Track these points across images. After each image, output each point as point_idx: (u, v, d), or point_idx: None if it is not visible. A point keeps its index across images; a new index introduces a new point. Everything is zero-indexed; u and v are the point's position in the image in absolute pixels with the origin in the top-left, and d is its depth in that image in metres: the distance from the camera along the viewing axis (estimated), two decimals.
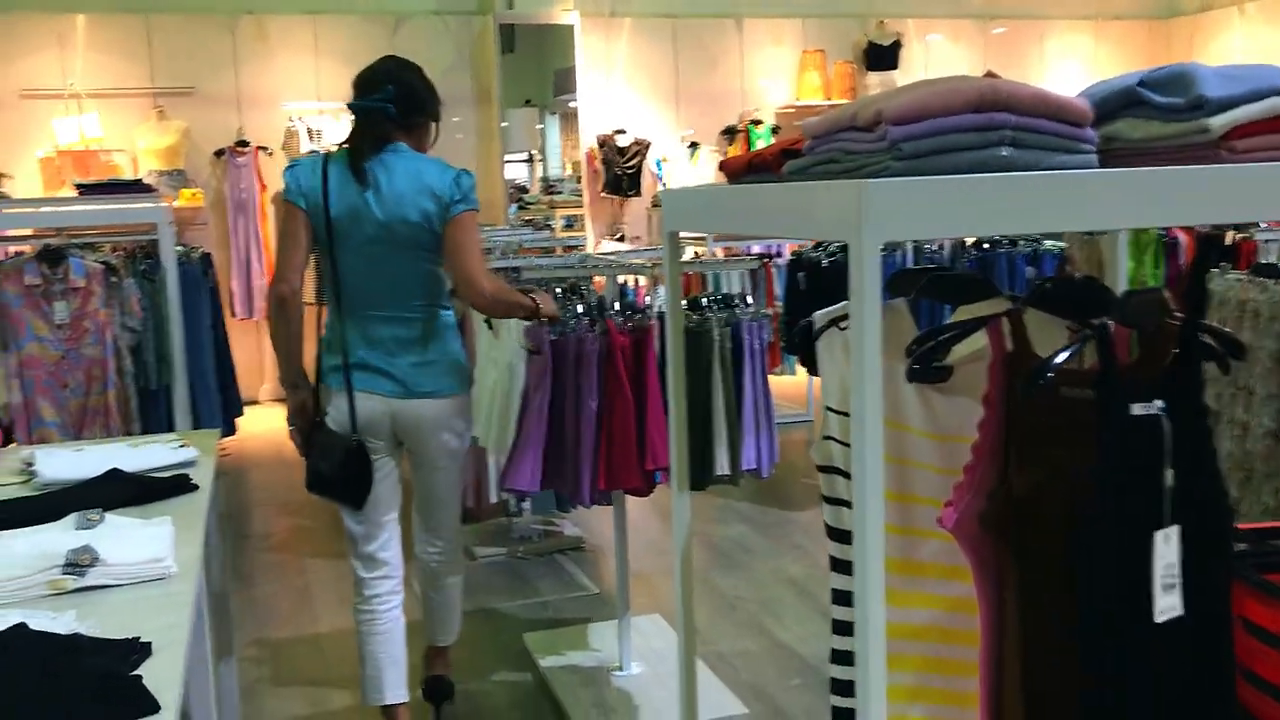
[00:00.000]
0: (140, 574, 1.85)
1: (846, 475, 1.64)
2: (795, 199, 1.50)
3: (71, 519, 2.00)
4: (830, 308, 1.73)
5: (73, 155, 7.99)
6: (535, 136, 9.91)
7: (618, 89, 9.42)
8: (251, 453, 6.98)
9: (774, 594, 4.36)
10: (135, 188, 6.10)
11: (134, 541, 1.93)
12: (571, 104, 12.27)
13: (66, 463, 2.52)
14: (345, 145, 2.83)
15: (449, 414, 2.88)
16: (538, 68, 10.13)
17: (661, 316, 3.12)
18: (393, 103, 2.80)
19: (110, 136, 8.25)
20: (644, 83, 9.47)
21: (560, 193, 11.91)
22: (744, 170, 1.92)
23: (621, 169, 9.18)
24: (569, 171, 14.92)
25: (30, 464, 2.52)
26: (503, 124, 8.95)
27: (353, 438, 2.80)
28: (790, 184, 1.54)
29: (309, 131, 8.28)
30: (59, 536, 1.91)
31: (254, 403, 8.36)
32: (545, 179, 10.04)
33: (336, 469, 2.81)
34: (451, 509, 3.07)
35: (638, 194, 9.27)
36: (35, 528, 2.01)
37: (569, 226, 10.53)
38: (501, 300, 2.94)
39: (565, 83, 11.47)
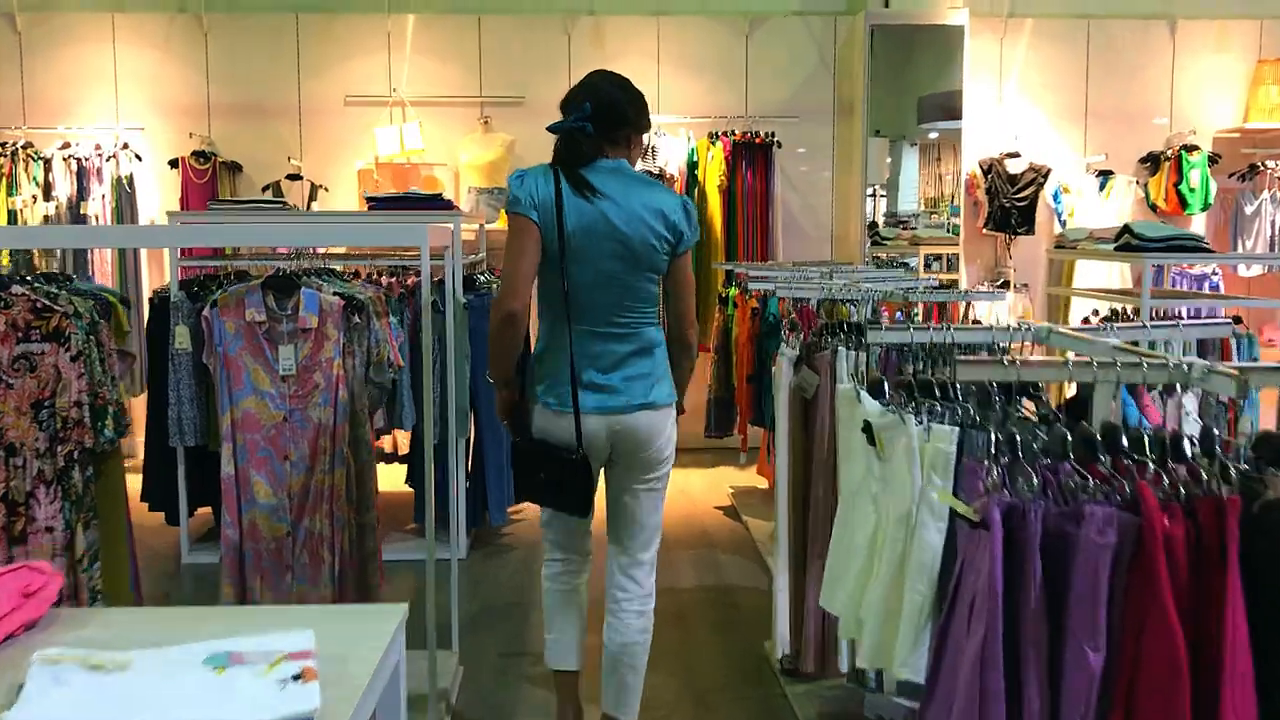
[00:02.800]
0: None
1: None
2: None
3: None
4: None
5: (391, 168, 7.26)
6: (883, 169, 8.38)
7: (1011, 103, 7.73)
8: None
9: None
10: (433, 203, 5.13)
11: None
12: (932, 135, 10.78)
13: (69, 706, 1.31)
14: (554, 162, 2.84)
15: (665, 423, 2.90)
16: (897, 86, 8.63)
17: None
18: (590, 120, 2.81)
19: (431, 148, 7.48)
20: (1044, 96, 7.73)
21: (914, 228, 10.37)
22: None
23: (1011, 200, 7.48)
24: (921, 208, 13.22)
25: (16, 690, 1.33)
26: (871, 135, 7.48)
27: (580, 452, 2.79)
28: None
29: (643, 150, 7.15)
30: None
31: None
32: (892, 213, 8.51)
33: (560, 483, 2.83)
34: (655, 532, 3.07)
35: (1029, 231, 7.54)
36: None
37: (929, 267, 8.93)
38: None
39: (932, 110, 9.95)
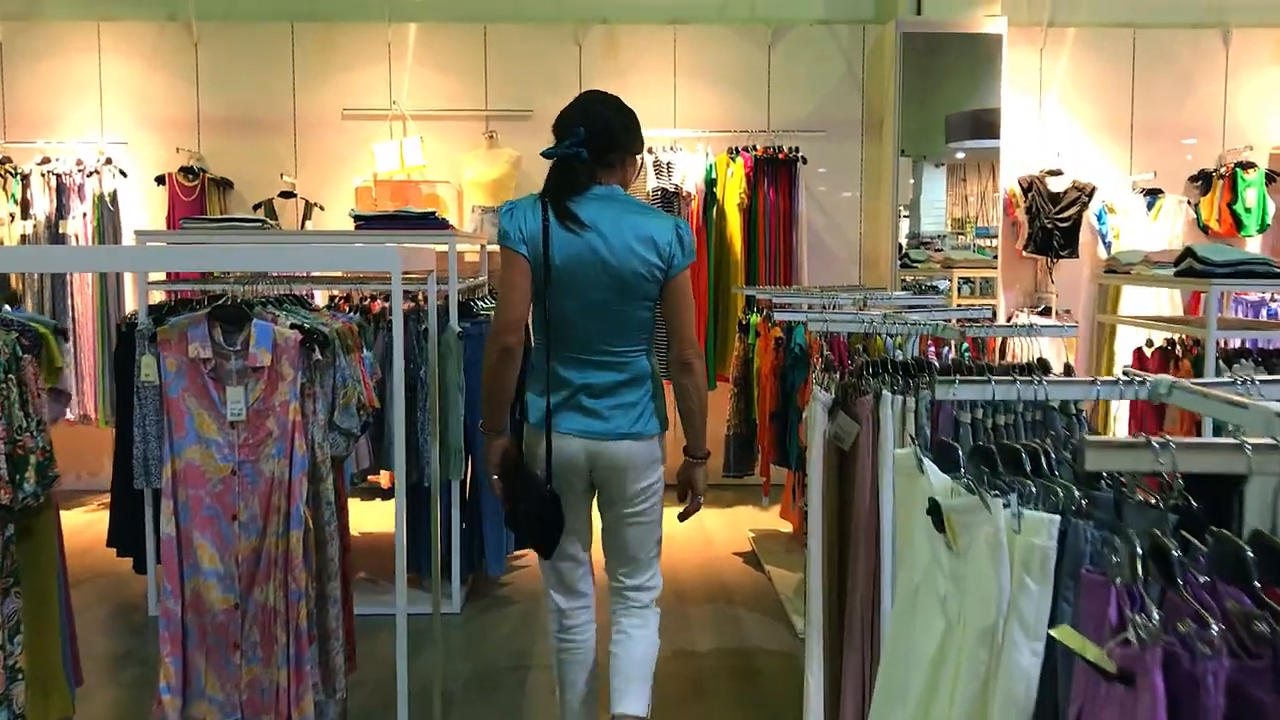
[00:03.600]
0: None
1: None
2: None
3: None
4: None
5: (391, 185, 6.81)
6: (906, 189, 7.88)
7: (1052, 117, 7.24)
8: None
9: None
10: (427, 222, 4.68)
11: None
12: (959, 154, 10.39)
13: None
14: (544, 193, 2.82)
15: (647, 454, 2.87)
16: (929, 99, 8.17)
17: None
18: (584, 145, 2.77)
19: (434, 165, 7.04)
20: (1088, 110, 7.24)
21: (940, 249, 9.90)
22: None
23: (1053, 220, 6.98)
24: (947, 229, 12.74)
25: None
26: (900, 153, 7.01)
27: (547, 487, 2.80)
28: None
29: (657, 165, 6.69)
30: None
31: None
32: (914, 235, 8.01)
33: (535, 516, 2.80)
34: (652, 561, 3.02)
35: (1073, 254, 7.03)
36: None
37: (975, 292, 8.44)
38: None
39: (960, 128, 9.51)
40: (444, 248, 4.69)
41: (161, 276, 4.91)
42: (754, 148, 6.81)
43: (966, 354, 3.35)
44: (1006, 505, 1.57)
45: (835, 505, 2.95)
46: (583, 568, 3.00)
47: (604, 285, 2.75)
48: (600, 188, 2.81)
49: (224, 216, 4.66)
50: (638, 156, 2.95)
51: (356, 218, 4.68)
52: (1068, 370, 2.80)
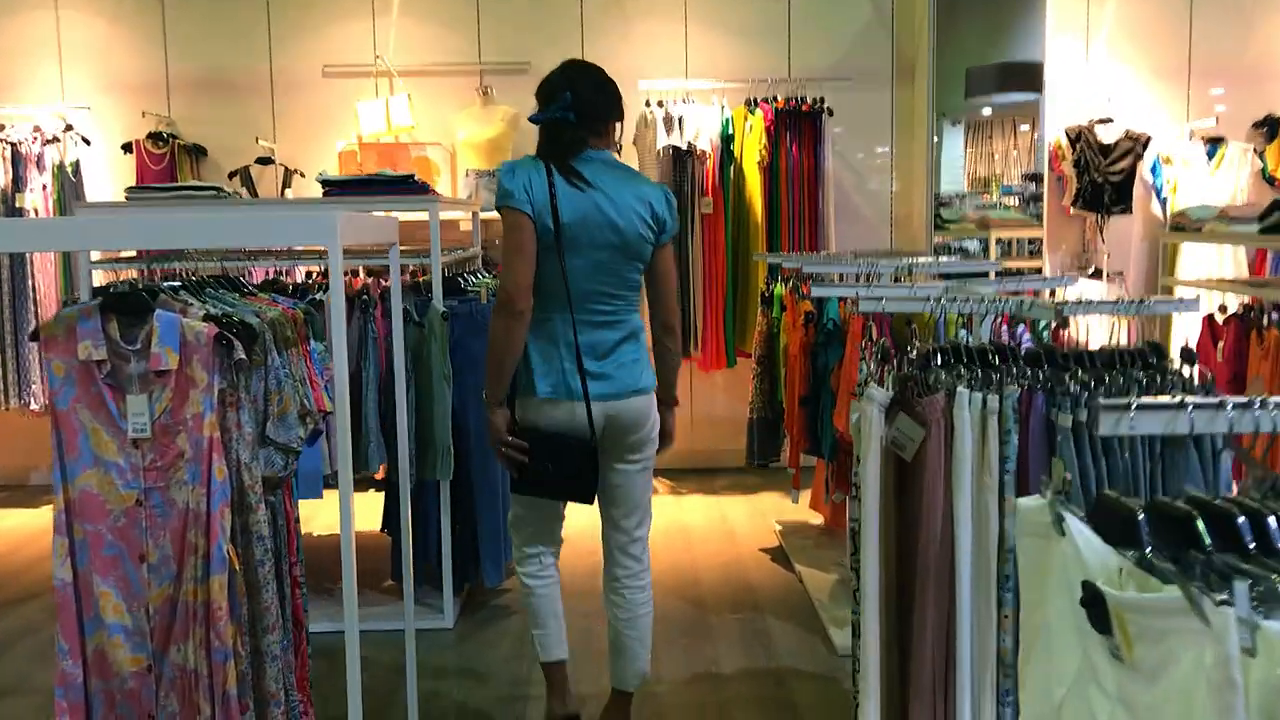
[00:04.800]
0: None
1: None
2: None
3: None
4: None
5: (377, 148, 6.21)
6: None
7: (1101, 61, 6.57)
8: None
9: None
10: (404, 187, 4.09)
11: None
12: (985, 111, 9.82)
13: None
14: (542, 154, 2.86)
15: (651, 407, 2.97)
16: (966, 42, 7.53)
17: None
18: (571, 109, 2.81)
19: (423, 125, 6.44)
20: (1140, 53, 6.57)
21: (975, 207, 9.29)
22: None
23: (1104, 174, 6.34)
24: (967, 189, 12.11)
25: None
26: (936, 102, 6.37)
27: (591, 441, 2.85)
28: None
29: (668, 120, 6.07)
30: None
31: None
32: (935, 195, 7.37)
33: (569, 471, 2.85)
34: (648, 510, 3.11)
35: (1125, 210, 6.38)
36: None
37: (1007, 253, 7.82)
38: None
39: (983, 81, 8.88)
40: (424, 215, 4.11)
41: (98, 256, 4.35)
42: (774, 99, 6.18)
43: (1045, 334, 2.75)
44: (1223, 603, 0.98)
45: (894, 525, 2.37)
46: (560, 520, 3.16)
47: (609, 245, 2.80)
48: (593, 151, 2.86)
49: (175, 185, 4.09)
50: (619, 124, 3.01)
51: (324, 183, 4.09)
52: (1187, 355, 2.20)
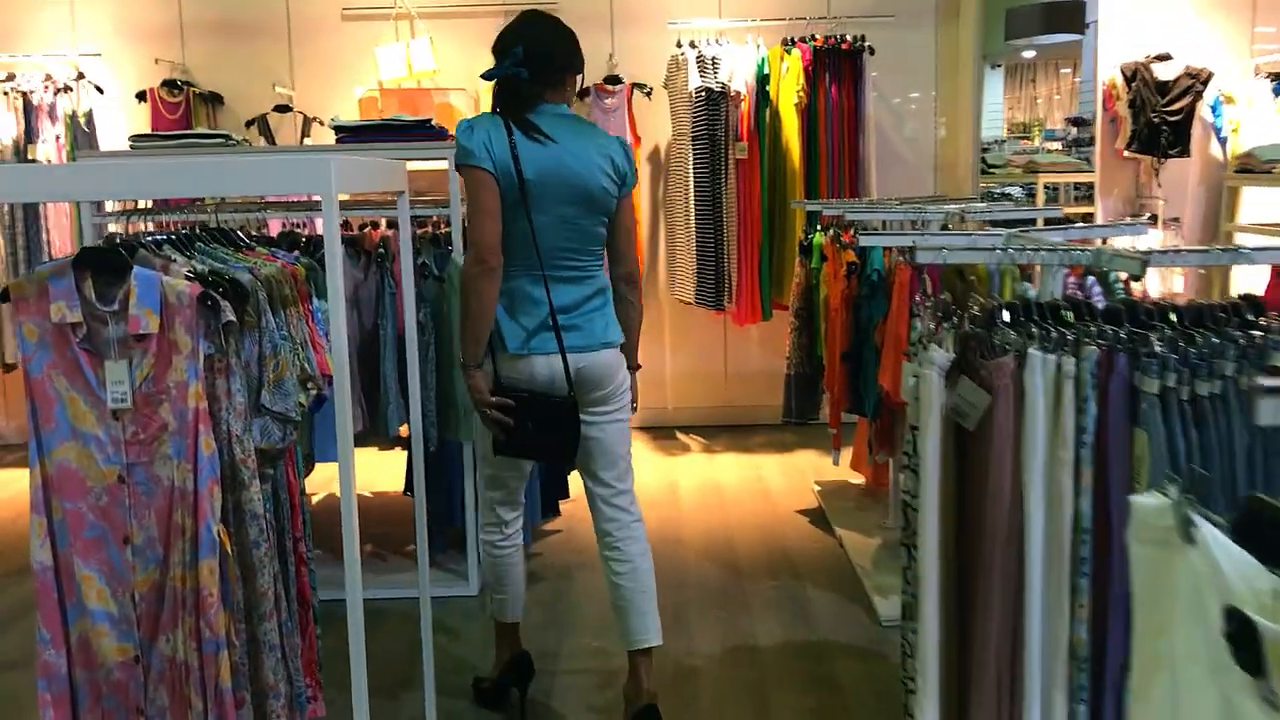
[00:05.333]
0: None
1: None
2: None
3: None
4: None
5: (399, 93, 5.97)
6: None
7: None
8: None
9: None
10: (421, 132, 3.87)
11: None
12: (1027, 54, 9.54)
13: None
14: (494, 111, 2.81)
15: (620, 359, 2.95)
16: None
17: None
18: (523, 65, 2.76)
19: (446, 69, 6.18)
20: None
21: (1021, 151, 8.96)
22: None
23: (1160, 114, 6.00)
24: (1004, 134, 11.70)
25: None
26: (984, 40, 6.05)
27: (570, 395, 2.80)
28: None
29: (700, 61, 5.78)
30: None
31: None
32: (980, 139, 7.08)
33: (550, 428, 2.81)
34: (630, 462, 3.05)
35: (1183, 153, 6.05)
36: None
37: (1054, 199, 7.51)
38: None
39: (1025, 23, 8.51)
40: (444, 164, 3.88)
41: (114, 207, 4.15)
42: (812, 38, 5.87)
43: (1119, 289, 2.49)
44: None
45: (955, 502, 2.14)
46: (526, 481, 3.10)
47: (573, 199, 2.77)
48: (549, 105, 2.81)
49: (182, 133, 3.87)
50: (578, 76, 2.95)
51: (337, 129, 3.86)
52: (1255, 307, 1.95)
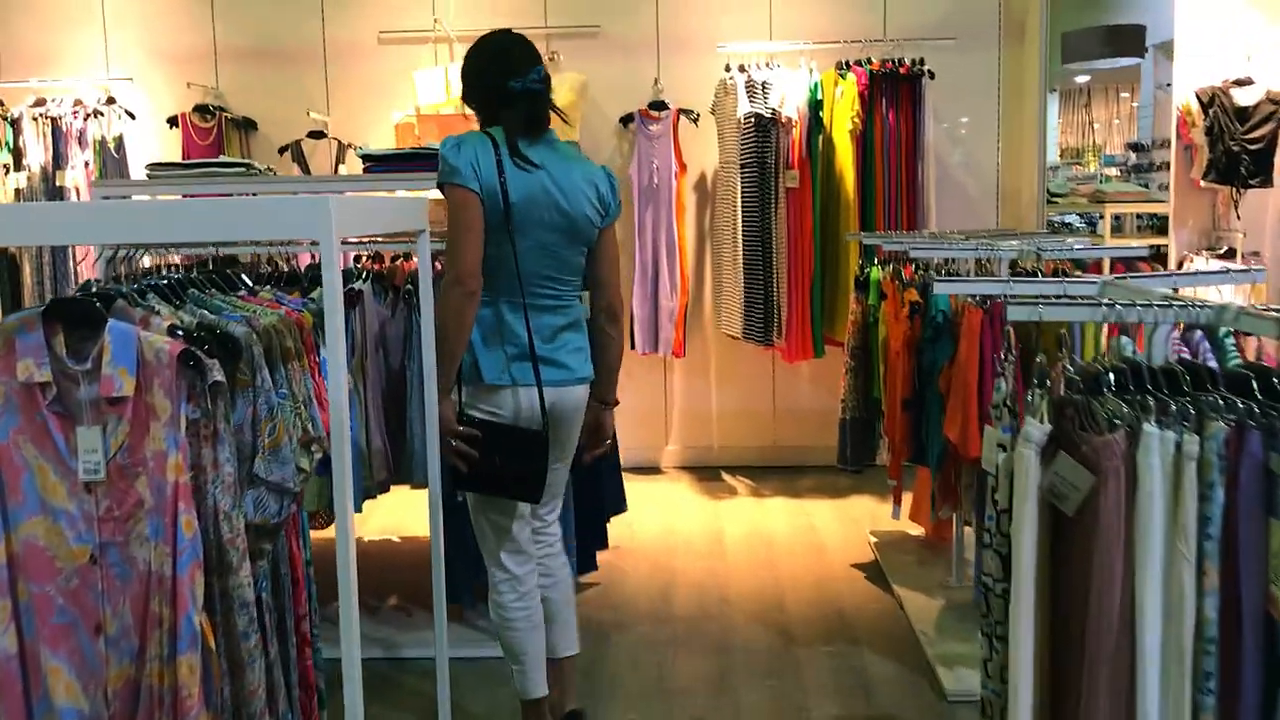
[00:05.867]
0: None
1: None
2: None
3: None
4: None
5: (436, 119, 5.75)
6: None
7: (1240, 14, 5.85)
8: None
9: None
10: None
11: None
12: (1080, 78, 9.36)
13: None
14: (503, 125, 2.69)
15: (587, 396, 2.88)
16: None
17: None
18: (543, 83, 2.71)
19: None
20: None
21: (1083, 180, 8.65)
22: None
23: (1240, 142, 5.65)
24: (1058, 159, 11.41)
25: None
26: (1050, 62, 5.74)
27: (545, 429, 2.69)
28: None
29: (750, 86, 5.52)
30: None
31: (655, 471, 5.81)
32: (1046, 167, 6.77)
33: (519, 462, 2.69)
34: (561, 499, 3.01)
35: (1265, 183, 5.70)
36: None
37: (1118, 229, 7.18)
38: None
39: (1085, 45, 8.23)
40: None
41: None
42: (868, 61, 5.59)
43: (1232, 348, 2.17)
44: None
45: (1048, 596, 1.84)
46: (529, 525, 2.90)
47: (556, 227, 2.69)
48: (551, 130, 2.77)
49: (200, 161, 3.66)
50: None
51: (364, 157, 3.64)
52: None
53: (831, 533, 5.03)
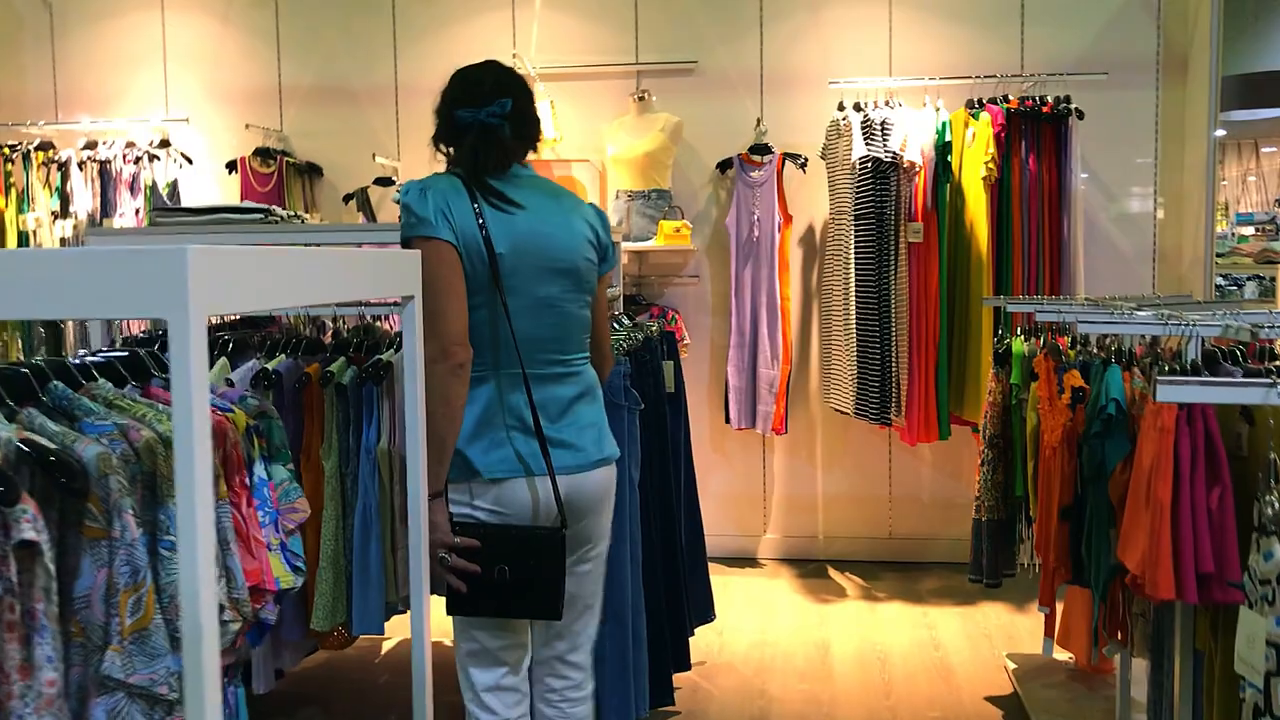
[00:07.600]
0: None
1: None
2: None
3: None
4: None
5: None
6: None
7: None
8: None
9: None
10: None
11: None
12: (1216, 132, 8.41)
13: None
14: (463, 166, 2.30)
15: (613, 481, 2.45)
16: (1252, 33, 6.13)
17: None
18: (507, 119, 2.32)
19: (569, 137, 5.39)
20: None
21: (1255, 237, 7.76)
22: None
23: None
24: (1227, 209, 10.40)
25: None
26: (1217, 132, 4.94)
27: (561, 528, 2.26)
28: None
29: (867, 126, 4.81)
30: None
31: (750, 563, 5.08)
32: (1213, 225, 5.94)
33: (531, 573, 2.22)
34: (598, 613, 2.50)
35: None
36: None
37: (1268, 294, 6.32)
38: None
39: (1252, 90, 7.30)
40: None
41: None
42: (1004, 99, 4.85)
43: None
44: None
45: None
46: (530, 655, 2.45)
47: (552, 278, 2.30)
48: (519, 167, 2.37)
49: (212, 206, 3.09)
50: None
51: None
52: None
53: (959, 650, 4.21)
